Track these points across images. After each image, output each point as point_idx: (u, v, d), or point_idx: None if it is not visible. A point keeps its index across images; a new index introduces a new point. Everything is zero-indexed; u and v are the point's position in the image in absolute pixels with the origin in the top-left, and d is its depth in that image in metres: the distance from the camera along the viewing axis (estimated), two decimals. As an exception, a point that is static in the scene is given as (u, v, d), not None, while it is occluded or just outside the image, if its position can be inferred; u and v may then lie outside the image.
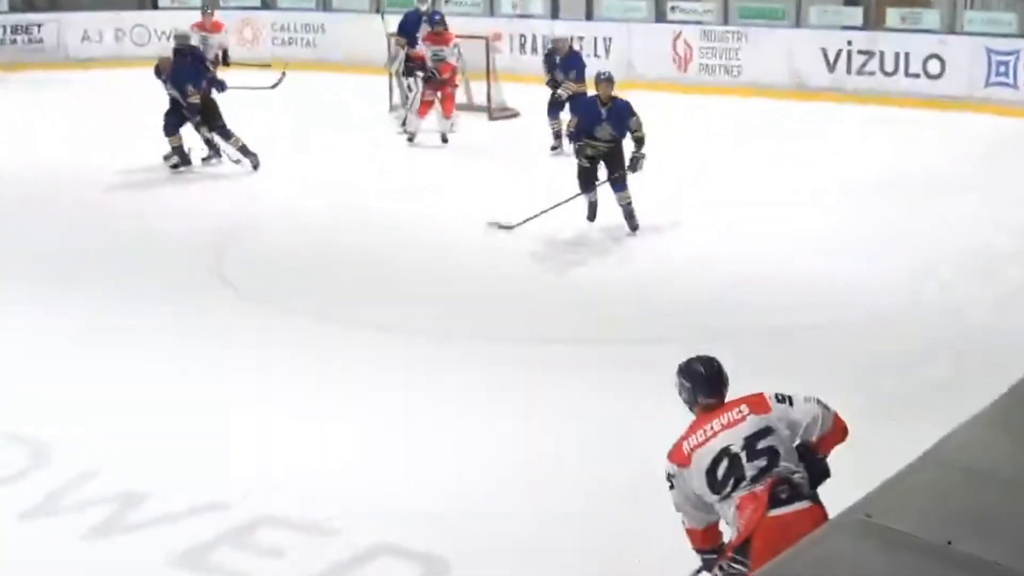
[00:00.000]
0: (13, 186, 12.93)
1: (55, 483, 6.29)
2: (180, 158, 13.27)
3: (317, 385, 7.55)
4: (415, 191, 12.35)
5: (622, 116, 10.38)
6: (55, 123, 12.94)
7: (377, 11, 20.78)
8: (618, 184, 10.52)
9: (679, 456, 4.46)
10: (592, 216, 10.71)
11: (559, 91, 13.75)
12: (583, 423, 6.78)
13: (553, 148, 13.82)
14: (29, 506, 6.10)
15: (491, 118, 16.07)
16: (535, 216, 10.03)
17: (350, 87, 17.80)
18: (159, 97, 17.67)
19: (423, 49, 14.75)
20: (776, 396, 4.51)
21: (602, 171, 10.60)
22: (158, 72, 13.30)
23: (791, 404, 4.50)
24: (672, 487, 4.49)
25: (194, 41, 15.69)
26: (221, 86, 13.56)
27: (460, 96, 15.82)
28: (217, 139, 13.30)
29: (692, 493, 4.45)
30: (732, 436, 4.39)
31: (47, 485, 6.28)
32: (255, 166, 13.21)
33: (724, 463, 4.37)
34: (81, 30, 21.59)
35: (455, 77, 14.79)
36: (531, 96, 16.87)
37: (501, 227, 10.33)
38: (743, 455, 4.36)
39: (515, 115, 16.44)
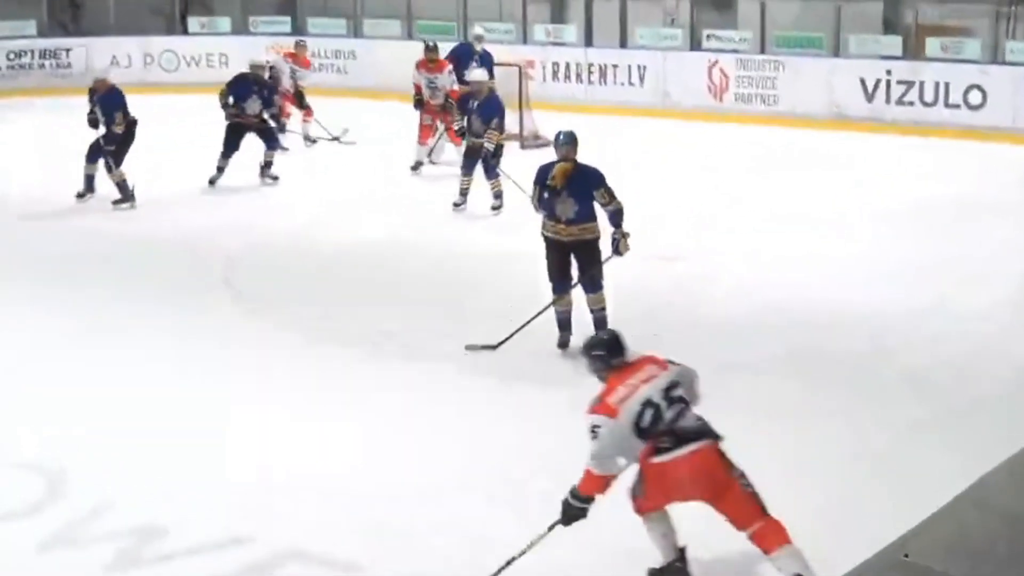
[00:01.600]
0: (33, 206, 13.40)
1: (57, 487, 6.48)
2: (88, 187, 13.39)
3: (317, 385, 7.80)
4: (431, 214, 12.67)
5: (586, 187, 8.26)
6: (79, 146, 13.37)
7: (409, 37, 21.28)
8: (589, 284, 8.35)
9: (607, 409, 5.29)
10: (564, 343, 8.42)
11: (485, 143, 12.48)
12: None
13: (456, 204, 12.72)
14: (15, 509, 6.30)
15: (522, 147, 16.22)
16: (516, 332, 8.29)
17: (381, 114, 18.09)
18: (189, 123, 18.33)
19: (417, 77, 14.87)
20: (668, 360, 5.53)
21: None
22: (91, 97, 13.28)
23: (680, 366, 5.52)
24: (595, 437, 5.26)
25: (283, 69, 16.27)
26: (281, 126, 14.37)
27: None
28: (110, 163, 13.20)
29: (618, 441, 5.25)
30: (652, 389, 5.33)
31: (42, 491, 6.47)
32: (130, 202, 13.17)
33: (648, 412, 5.28)
34: (109, 55, 21.99)
35: (453, 94, 14.78)
36: (565, 124, 17.16)
37: (483, 348, 8.39)
38: (663, 404, 5.31)
39: (547, 144, 16.50)
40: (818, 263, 10.62)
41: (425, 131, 14.82)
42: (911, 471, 6.40)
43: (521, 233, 10.76)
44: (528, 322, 8.27)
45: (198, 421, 7.19)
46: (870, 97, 17.34)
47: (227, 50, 22.25)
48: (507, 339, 8.27)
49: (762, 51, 18.45)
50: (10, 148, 16.61)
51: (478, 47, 15.36)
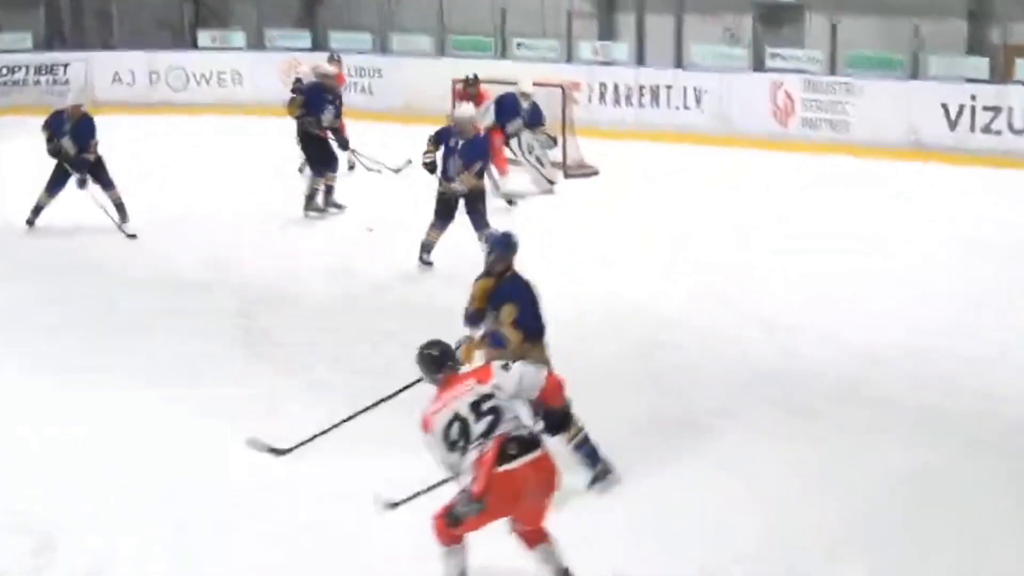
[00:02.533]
0: (31, 235, 14.01)
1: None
2: (35, 216, 13.99)
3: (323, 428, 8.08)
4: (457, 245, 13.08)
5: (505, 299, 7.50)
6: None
7: (441, 54, 21.84)
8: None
9: (424, 423, 6.14)
10: None
11: (454, 185, 12.00)
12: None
13: (423, 262, 12.34)
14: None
15: (567, 176, 16.63)
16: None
17: (409, 139, 18.28)
18: (193, 146, 18.87)
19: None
20: (500, 366, 6.27)
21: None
22: (61, 121, 13.78)
23: (508, 373, 6.21)
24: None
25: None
26: (344, 144, 14.82)
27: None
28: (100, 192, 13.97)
29: (436, 453, 6.12)
30: (460, 404, 6.10)
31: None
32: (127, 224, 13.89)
33: (456, 426, 6.07)
34: (111, 71, 22.75)
35: (495, 133, 15.20)
36: (613, 152, 17.74)
37: (271, 450, 7.82)
38: (471, 417, 6.07)
39: (594, 173, 17.03)
40: (899, 302, 11.06)
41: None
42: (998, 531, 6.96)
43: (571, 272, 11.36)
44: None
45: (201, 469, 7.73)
46: (952, 124, 17.61)
47: (241, 67, 23.01)
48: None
49: (832, 72, 18.81)
50: (2, 171, 17.15)
51: (524, 103, 15.64)
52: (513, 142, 15.69)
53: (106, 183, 13.95)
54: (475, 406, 6.09)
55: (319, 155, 14.65)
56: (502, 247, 7.63)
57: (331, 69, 15.52)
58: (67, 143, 13.77)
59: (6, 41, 22.84)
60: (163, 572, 6.76)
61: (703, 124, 19.42)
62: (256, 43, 23.35)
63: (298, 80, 16.41)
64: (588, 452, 7.34)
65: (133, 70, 22.97)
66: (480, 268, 7.81)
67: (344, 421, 7.60)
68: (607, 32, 22.00)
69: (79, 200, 13.91)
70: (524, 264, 10.23)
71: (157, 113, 21.85)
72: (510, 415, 6.13)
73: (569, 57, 21.10)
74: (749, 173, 17.04)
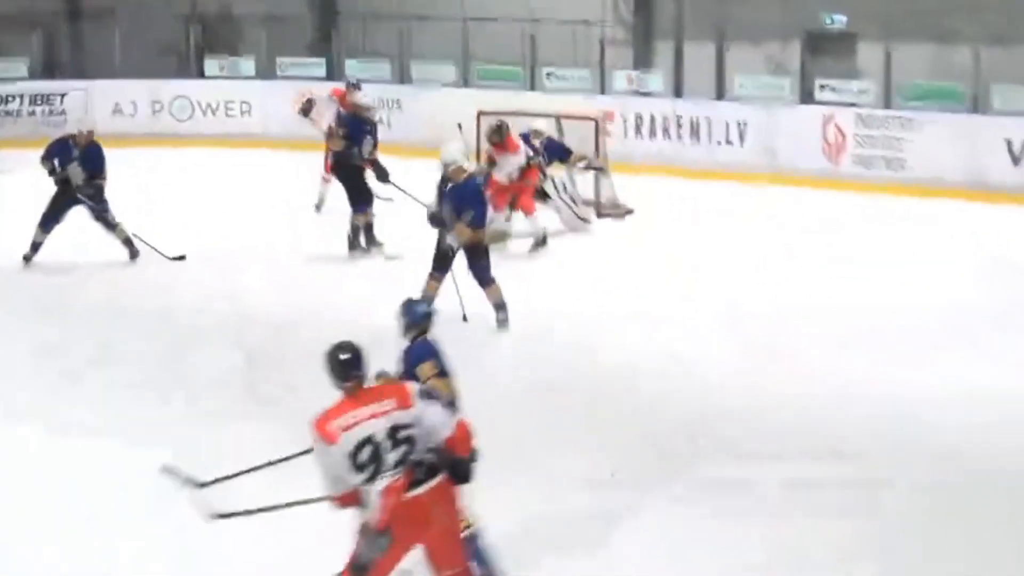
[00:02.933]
0: (27, 276, 13.95)
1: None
2: (33, 252, 14.09)
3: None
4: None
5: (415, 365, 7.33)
6: (73, 210, 13.90)
7: (465, 84, 21.79)
8: None
9: (325, 431, 5.87)
10: None
11: (449, 240, 11.71)
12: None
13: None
14: None
15: (599, 215, 16.55)
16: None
17: (431, 174, 18.24)
18: (199, 181, 18.81)
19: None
20: (420, 392, 6.13)
21: None
22: (67, 148, 13.91)
23: (428, 405, 6.05)
24: (315, 454, 5.94)
25: (328, 107, 16.76)
26: (384, 175, 14.78)
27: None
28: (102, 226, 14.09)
29: (332, 469, 5.89)
30: (377, 425, 5.89)
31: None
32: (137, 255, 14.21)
33: (367, 449, 5.87)
34: (111, 102, 22.76)
35: (531, 173, 15.07)
36: (649, 189, 17.64)
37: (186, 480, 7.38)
38: (385, 444, 5.89)
39: (628, 212, 16.91)
40: (938, 362, 10.82)
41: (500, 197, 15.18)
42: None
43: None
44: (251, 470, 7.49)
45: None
46: (1017, 161, 17.53)
47: (250, 97, 23.07)
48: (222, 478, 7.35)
49: (887, 105, 18.73)
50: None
51: (536, 140, 15.37)
52: (547, 183, 15.61)
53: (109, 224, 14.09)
54: (393, 432, 5.93)
55: (360, 190, 14.59)
56: (417, 317, 7.55)
57: (368, 100, 15.56)
58: (75, 170, 13.84)
59: (-1, 69, 22.92)
60: (163, 572, 6.89)
61: (746, 161, 19.35)
62: (267, 71, 23.40)
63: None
64: (475, 552, 6.77)
65: (135, 100, 23.02)
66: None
67: (268, 464, 7.48)
68: (643, 61, 22.08)
69: (79, 234, 13.98)
70: (554, 315, 10.06)
71: (160, 146, 21.84)
72: (422, 447, 6.01)
73: (602, 87, 21.08)
74: (797, 214, 16.95)
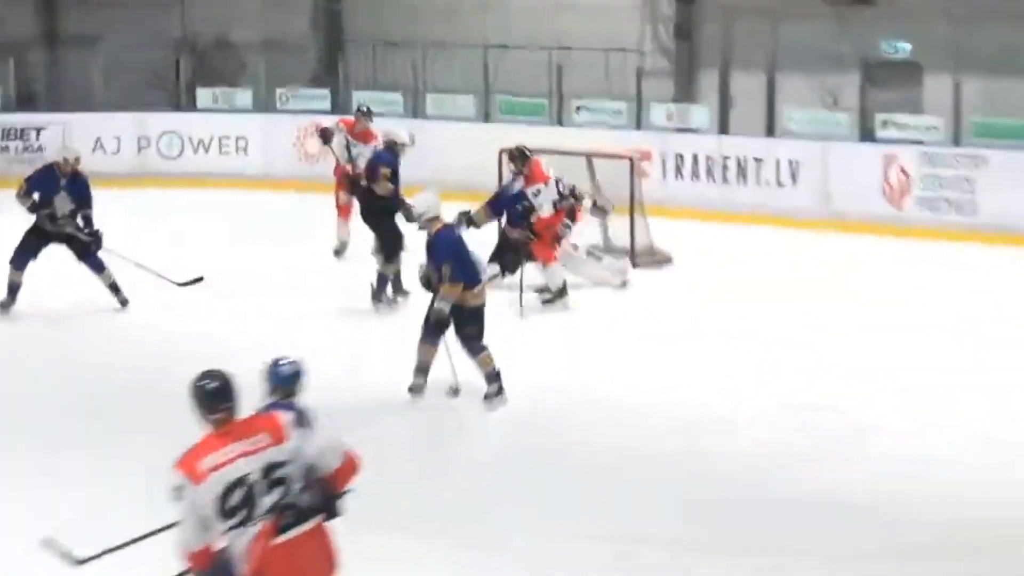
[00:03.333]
0: (7, 320, 14.12)
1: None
2: (11, 298, 14.28)
3: None
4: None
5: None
6: (50, 256, 13.95)
7: (486, 119, 21.86)
8: None
9: (192, 470, 5.82)
10: None
11: (437, 303, 11.38)
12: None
13: (412, 390, 11.54)
14: None
15: (635, 265, 16.47)
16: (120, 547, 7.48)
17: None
18: (189, 226, 18.77)
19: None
20: (294, 421, 6.14)
21: None
22: (52, 177, 14.10)
23: (306, 435, 6.10)
24: (179, 499, 5.84)
25: (336, 142, 16.87)
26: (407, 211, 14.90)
27: (593, 234, 16.45)
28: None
29: (200, 511, 5.81)
30: (250, 465, 5.87)
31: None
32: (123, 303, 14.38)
33: (239, 492, 5.84)
34: (93, 137, 22.68)
35: (557, 217, 14.94)
36: (690, 236, 17.71)
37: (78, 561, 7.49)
38: (258, 486, 5.87)
39: (667, 261, 16.94)
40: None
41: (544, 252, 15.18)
42: None
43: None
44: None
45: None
46: (1101, 204, 17.56)
47: (247, 131, 23.16)
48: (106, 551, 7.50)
49: (956, 143, 18.73)
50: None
51: (523, 188, 14.92)
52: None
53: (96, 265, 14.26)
54: (268, 471, 5.91)
55: (396, 236, 14.64)
56: (277, 378, 7.65)
57: (403, 136, 15.69)
58: (62, 201, 14.00)
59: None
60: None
61: (799, 204, 19.37)
62: (266, 104, 23.51)
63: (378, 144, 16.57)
64: None
65: (119, 135, 23.05)
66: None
67: (153, 533, 7.43)
68: (684, 92, 22.11)
69: (60, 273, 14.15)
70: (585, 382, 10.08)
71: (146, 186, 21.94)
72: (295, 487, 6.01)
73: (639, 123, 21.12)
74: (856, 264, 16.93)
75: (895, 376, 12.18)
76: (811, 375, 12.26)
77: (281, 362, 7.68)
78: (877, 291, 15.52)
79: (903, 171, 18.81)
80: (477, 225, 14.34)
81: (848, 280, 16.05)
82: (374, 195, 14.92)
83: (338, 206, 16.85)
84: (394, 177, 14.91)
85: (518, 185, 14.88)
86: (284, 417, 6.18)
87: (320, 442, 6.10)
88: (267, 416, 6.26)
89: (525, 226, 14.59)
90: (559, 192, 14.73)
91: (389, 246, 14.61)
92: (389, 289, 14.57)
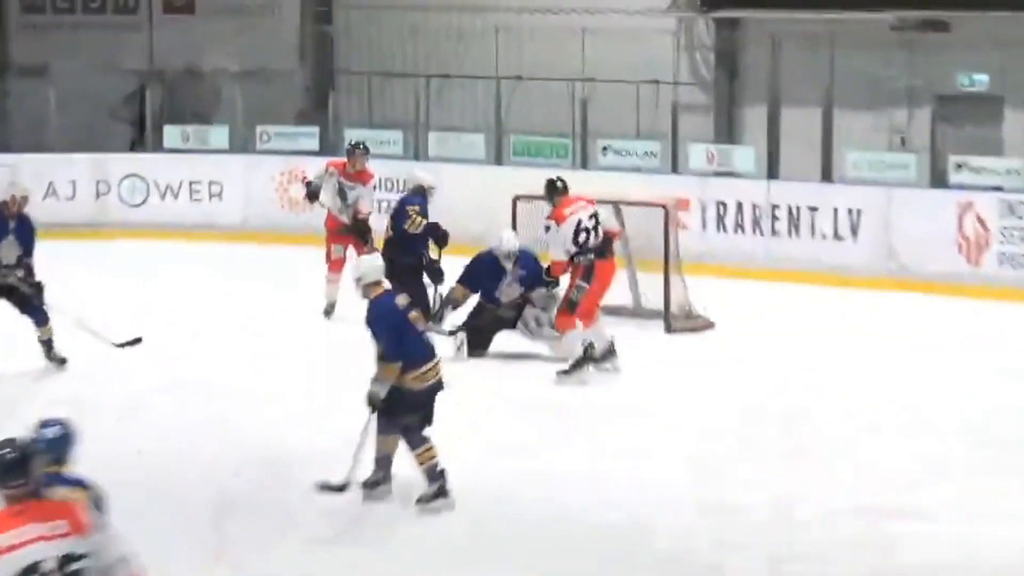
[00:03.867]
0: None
1: None
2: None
3: None
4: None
5: None
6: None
7: (498, 162, 21.90)
8: None
9: None
10: None
11: (371, 387, 11.21)
12: None
13: (367, 485, 11.36)
14: None
15: (670, 330, 16.56)
16: None
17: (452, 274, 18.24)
18: (155, 284, 18.82)
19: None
20: (95, 515, 6.29)
21: None
22: (1, 221, 14.33)
23: (106, 532, 6.15)
24: None
25: (325, 185, 17.09)
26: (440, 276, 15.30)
27: (621, 294, 16.43)
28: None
29: None
30: (46, 551, 5.94)
31: None
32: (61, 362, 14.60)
33: None
34: (44, 181, 22.66)
35: (561, 267, 14.92)
36: (734, 297, 17.79)
37: None
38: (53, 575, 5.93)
39: (707, 326, 16.91)
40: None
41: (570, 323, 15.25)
42: None
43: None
44: None
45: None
46: None
47: (223, 175, 23.23)
48: None
49: (1041, 189, 18.84)
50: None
51: (507, 263, 15.18)
52: (520, 324, 15.48)
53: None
54: (65, 561, 5.95)
55: (421, 298, 14.78)
56: (47, 445, 7.38)
57: (430, 180, 15.98)
58: (10, 246, 14.18)
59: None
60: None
61: (860, 260, 19.41)
62: (244, 143, 23.60)
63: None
64: None
65: (74, 179, 23.17)
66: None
67: None
68: (727, 131, 22.24)
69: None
70: (605, 472, 10.02)
71: (105, 238, 22.07)
72: None
73: (674, 166, 21.23)
74: (927, 329, 16.92)
75: (991, 480, 11.86)
76: (883, 475, 11.91)
77: (49, 424, 7.56)
78: (954, 361, 15.45)
79: (980, 222, 18.80)
80: (454, 306, 15.03)
81: (919, 350, 15.96)
82: (398, 249, 15.01)
83: (329, 261, 16.89)
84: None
85: (509, 246, 15.18)
86: (82, 504, 6.35)
87: (112, 552, 6.15)
88: (64, 503, 6.30)
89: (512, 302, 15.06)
90: (578, 243, 14.56)
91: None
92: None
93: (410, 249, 15.37)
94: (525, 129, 22.34)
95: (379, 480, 11.21)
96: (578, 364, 14.56)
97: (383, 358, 10.92)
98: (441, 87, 23.54)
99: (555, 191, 14.86)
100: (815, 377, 14.87)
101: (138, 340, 14.94)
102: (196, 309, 17.81)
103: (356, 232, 16.96)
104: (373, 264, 11.67)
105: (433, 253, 15.75)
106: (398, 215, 15.66)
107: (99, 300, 16.77)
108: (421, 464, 10.96)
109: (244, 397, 14.02)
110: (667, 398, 14.15)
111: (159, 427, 13.16)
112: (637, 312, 16.77)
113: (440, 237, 15.64)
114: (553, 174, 15.42)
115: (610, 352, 14.78)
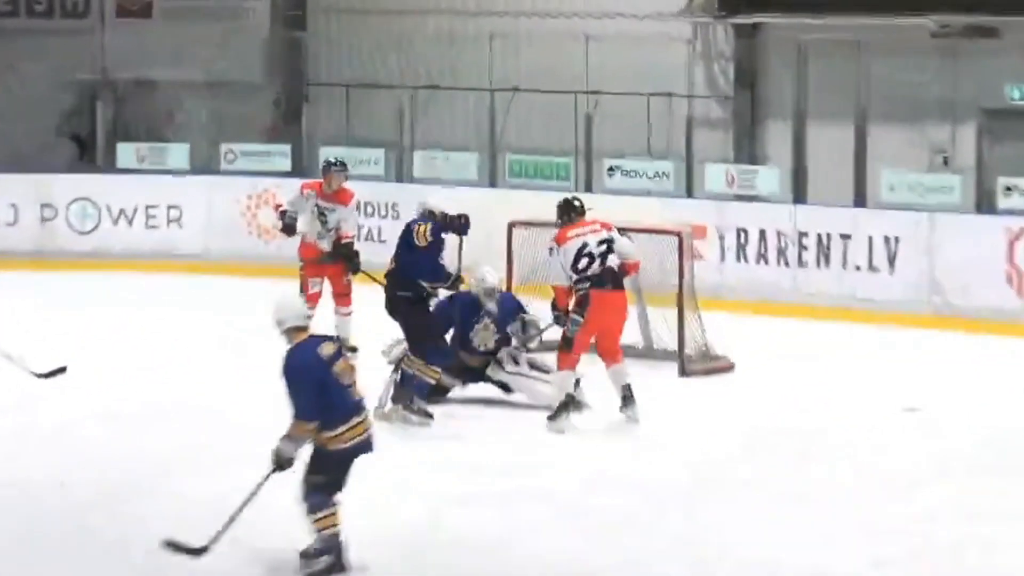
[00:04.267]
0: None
1: None
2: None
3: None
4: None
5: None
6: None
7: (491, 184, 21.91)
8: None
9: None
10: None
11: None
12: None
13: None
14: None
15: (684, 372, 16.58)
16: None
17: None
18: (106, 322, 18.84)
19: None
20: None
21: None
22: None
23: None
24: None
25: (302, 211, 17.12)
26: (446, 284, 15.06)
27: (629, 332, 16.38)
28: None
29: None
30: None
31: None
32: None
33: None
34: (-20, 206, 22.95)
35: (564, 295, 14.90)
36: (757, 335, 17.93)
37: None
38: None
39: (726, 368, 16.93)
40: None
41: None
42: None
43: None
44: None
45: None
46: None
47: (183, 199, 23.25)
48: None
49: (1100, 215, 18.88)
50: None
51: (489, 302, 15.17)
52: (492, 366, 15.43)
53: None
54: None
55: (421, 329, 14.67)
56: None
57: (442, 206, 15.69)
58: None
59: None
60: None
61: (897, 294, 19.42)
62: (207, 162, 23.70)
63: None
64: None
65: (15, 203, 23.16)
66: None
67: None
68: (748, 150, 22.23)
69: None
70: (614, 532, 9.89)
71: (51, 268, 22.14)
72: None
73: (689, 188, 21.34)
74: (975, 371, 16.91)
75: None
76: (941, 531, 11.60)
77: None
78: (1001, 411, 15.37)
79: (1033, 251, 18.93)
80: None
81: (963, 395, 15.93)
82: (397, 280, 14.85)
83: (305, 293, 16.77)
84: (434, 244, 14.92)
85: (491, 281, 15.23)
86: None
87: None
88: None
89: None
90: (576, 269, 14.41)
91: (432, 350, 14.54)
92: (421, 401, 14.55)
93: (412, 282, 15.05)
94: (522, 147, 22.48)
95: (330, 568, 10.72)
96: (561, 410, 14.38)
97: (297, 417, 10.53)
98: (428, 100, 23.62)
99: (571, 210, 14.73)
100: (846, 422, 14.83)
101: (62, 370, 14.83)
102: (143, 341, 18.02)
103: (342, 257, 17.02)
104: (294, 306, 11.21)
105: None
106: (406, 236, 15.41)
107: (35, 332, 16.96)
108: (316, 528, 10.57)
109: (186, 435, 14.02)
110: (678, 449, 13.99)
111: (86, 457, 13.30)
112: (648, 352, 16.77)
113: (459, 227, 15.08)
114: (558, 197, 15.34)
115: (627, 399, 14.53)
